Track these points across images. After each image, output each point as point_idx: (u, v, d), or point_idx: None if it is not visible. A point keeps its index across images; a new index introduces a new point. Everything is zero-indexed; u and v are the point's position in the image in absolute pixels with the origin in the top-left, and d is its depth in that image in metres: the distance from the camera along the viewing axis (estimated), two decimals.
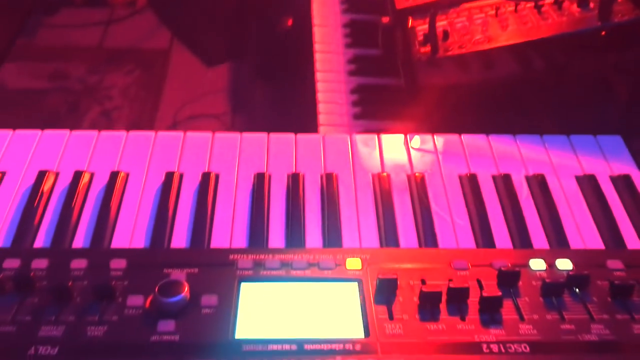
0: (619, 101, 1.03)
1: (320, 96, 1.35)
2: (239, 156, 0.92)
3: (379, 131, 1.18)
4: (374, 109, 1.24)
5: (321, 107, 1.33)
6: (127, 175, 0.87)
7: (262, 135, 0.95)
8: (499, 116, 1.04)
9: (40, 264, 0.71)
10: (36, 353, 0.61)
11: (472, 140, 0.95)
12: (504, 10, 0.99)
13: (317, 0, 1.50)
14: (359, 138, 0.95)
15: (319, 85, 1.38)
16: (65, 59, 2.55)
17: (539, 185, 0.87)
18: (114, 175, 0.86)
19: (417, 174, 0.88)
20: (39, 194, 0.83)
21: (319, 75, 1.38)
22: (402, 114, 1.11)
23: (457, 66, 1.01)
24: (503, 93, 1.04)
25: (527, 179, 0.89)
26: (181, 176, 0.87)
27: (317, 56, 1.40)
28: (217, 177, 0.88)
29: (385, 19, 1.11)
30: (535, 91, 1.05)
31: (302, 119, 1.37)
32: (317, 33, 1.43)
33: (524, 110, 1.06)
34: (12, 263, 0.71)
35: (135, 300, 0.67)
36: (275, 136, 0.95)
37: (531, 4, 0.98)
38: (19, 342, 0.62)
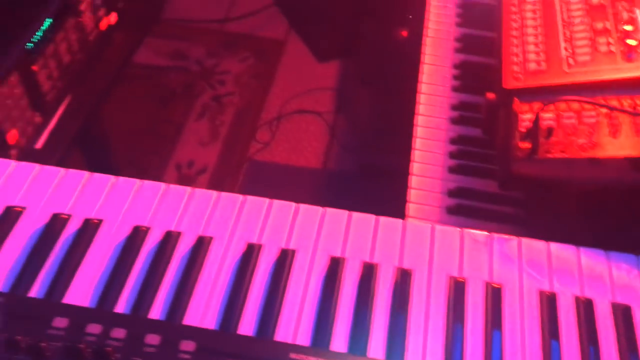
0: None
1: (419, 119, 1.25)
2: (318, 232, 0.93)
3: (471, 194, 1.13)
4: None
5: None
6: (211, 239, 0.91)
7: (344, 212, 0.95)
8: (603, 223, 0.98)
9: (118, 333, 0.76)
10: None
11: (560, 251, 0.90)
12: (618, 114, 0.92)
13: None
14: (441, 231, 0.93)
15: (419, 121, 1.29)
16: (187, 38, 2.67)
17: (624, 318, 0.82)
18: (200, 240, 0.90)
19: (494, 285, 0.86)
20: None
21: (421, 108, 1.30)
22: (495, 199, 1.07)
23: (561, 162, 0.96)
24: (613, 197, 0.98)
25: (613, 307, 0.84)
26: (260, 248, 0.90)
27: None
28: (293, 254, 0.90)
29: (491, 95, 1.06)
30: None
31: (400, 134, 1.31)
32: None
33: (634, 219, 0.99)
34: (93, 328, 0.77)
35: None
36: (357, 215, 0.95)
37: None
38: None
